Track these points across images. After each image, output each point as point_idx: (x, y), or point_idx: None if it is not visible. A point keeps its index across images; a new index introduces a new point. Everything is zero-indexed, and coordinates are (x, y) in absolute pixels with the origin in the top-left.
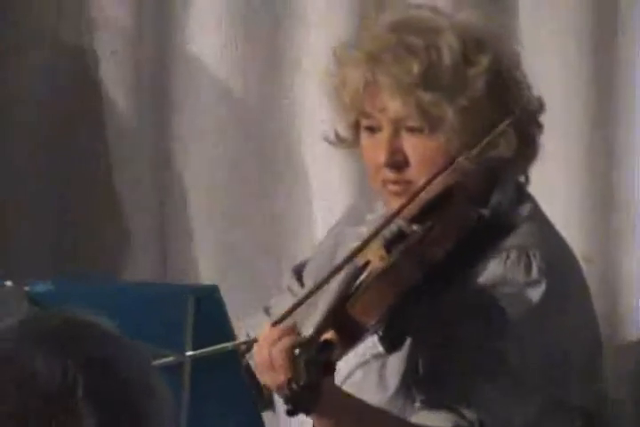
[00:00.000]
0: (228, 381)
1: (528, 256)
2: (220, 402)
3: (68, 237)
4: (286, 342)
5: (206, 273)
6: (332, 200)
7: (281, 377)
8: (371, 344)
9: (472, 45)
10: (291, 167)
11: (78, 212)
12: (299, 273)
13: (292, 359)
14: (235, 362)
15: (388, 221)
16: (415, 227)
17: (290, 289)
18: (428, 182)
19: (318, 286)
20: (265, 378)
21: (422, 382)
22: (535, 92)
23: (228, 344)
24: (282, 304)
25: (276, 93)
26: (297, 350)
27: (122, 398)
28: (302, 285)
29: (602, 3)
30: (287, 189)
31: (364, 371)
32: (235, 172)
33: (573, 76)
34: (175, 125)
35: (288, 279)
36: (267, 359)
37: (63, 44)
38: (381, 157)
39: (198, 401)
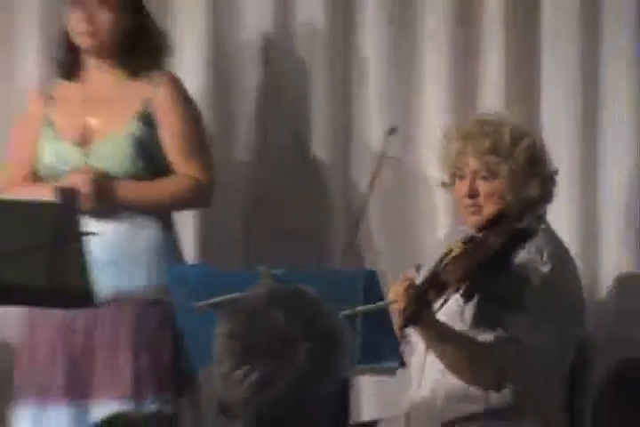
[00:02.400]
0: (382, 328)
1: (541, 250)
2: (378, 343)
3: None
4: (406, 282)
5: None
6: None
7: (400, 305)
8: (454, 300)
9: (518, 134)
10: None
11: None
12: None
13: (407, 294)
14: (386, 316)
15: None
16: (480, 233)
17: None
18: None
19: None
20: (393, 307)
21: (482, 320)
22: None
23: (383, 303)
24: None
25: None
26: (411, 291)
27: (324, 337)
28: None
29: None
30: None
31: (452, 316)
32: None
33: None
34: None
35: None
36: (394, 293)
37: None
38: (464, 191)
39: (365, 340)
